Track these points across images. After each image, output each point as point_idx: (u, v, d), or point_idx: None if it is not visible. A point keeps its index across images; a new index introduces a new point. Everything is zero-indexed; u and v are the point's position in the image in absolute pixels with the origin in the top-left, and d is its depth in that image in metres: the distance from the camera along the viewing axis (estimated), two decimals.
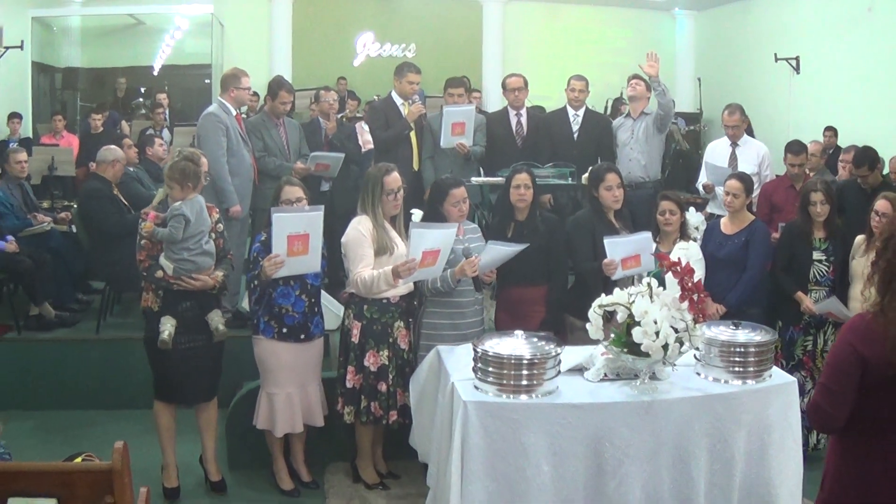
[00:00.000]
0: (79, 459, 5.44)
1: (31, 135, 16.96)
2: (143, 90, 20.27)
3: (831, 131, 14.62)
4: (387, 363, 7.16)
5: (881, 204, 7.77)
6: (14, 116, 16.02)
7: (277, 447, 7.48)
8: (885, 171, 12.11)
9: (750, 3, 19.53)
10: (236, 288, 9.57)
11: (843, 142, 13.46)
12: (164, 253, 6.91)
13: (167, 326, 6.87)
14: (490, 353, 5.89)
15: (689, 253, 7.88)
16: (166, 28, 20.66)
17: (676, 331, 5.79)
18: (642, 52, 10.20)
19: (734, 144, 10.50)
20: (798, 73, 17.59)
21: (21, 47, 17.18)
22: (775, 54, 17.78)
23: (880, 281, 4.15)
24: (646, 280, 6.05)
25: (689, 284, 5.90)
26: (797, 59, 17.54)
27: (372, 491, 7.43)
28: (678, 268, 5.98)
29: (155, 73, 20.87)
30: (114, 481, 4.86)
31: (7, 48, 16.48)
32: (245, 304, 8.68)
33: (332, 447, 7.84)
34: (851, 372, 4.14)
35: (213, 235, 7.15)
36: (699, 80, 20.57)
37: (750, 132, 15.01)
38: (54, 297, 10.13)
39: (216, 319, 7.11)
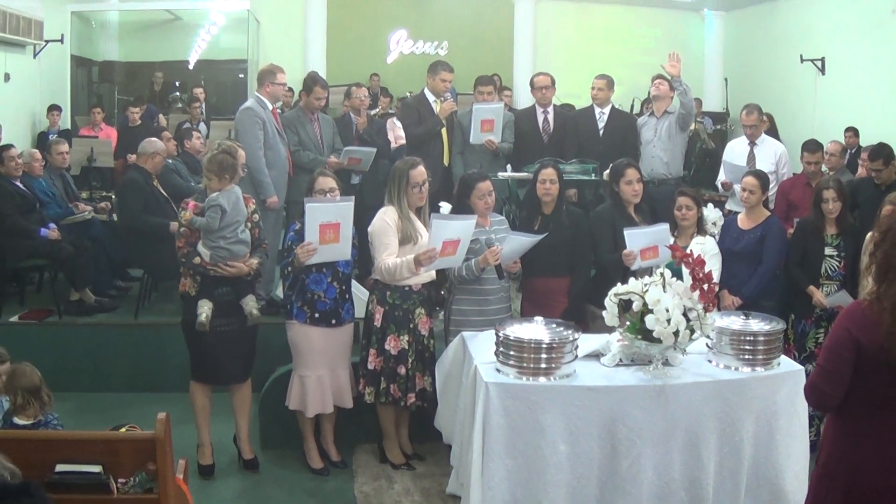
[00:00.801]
0: (123, 430, 5.73)
1: (69, 127, 17.20)
2: (177, 84, 20.52)
3: (852, 132, 14.76)
4: (407, 347, 7.47)
5: (887, 209, 7.91)
6: (54, 108, 16.27)
7: (308, 427, 7.79)
8: None
9: (777, 4, 19.65)
10: (270, 276, 9.86)
11: (864, 142, 13.61)
12: (201, 241, 7.23)
13: (204, 309, 7.20)
14: (511, 338, 6.21)
15: (705, 247, 8.14)
16: (203, 23, 20.85)
17: (688, 319, 6.09)
18: (671, 53, 10.39)
19: (752, 143, 10.73)
20: (823, 74, 17.71)
21: (61, 41, 17.50)
22: (801, 55, 17.92)
23: (877, 271, 4.41)
24: (659, 270, 6.35)
25: (700, 275, 6.19)
26: (822, 60, 17.65)
27: (398, 471, 7.72)
28: (689, 259, 6.28)
29: (191, 67, 21.07)
30: (156, 449, 5.18)
31: (48, 42, 16.73)
32: (279, 292, 9.00)
33: (360, 429, 8.11)
34: (847, 355, 4.42)
35: (249, 225, 7.46)
36: (726, 80, 20.74)
37: (774, 131, 15.23)
38: (94, 283, 10.41)
39: (250, 304, 7.42)
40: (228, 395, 7.80)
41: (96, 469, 5.16)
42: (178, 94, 20.04)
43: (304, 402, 7.58)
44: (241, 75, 20.75)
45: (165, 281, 10.73)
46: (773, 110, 17.07)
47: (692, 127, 14.94)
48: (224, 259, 7.23)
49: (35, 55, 16.69)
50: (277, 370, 8.28)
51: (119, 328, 9.99)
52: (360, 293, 8.20)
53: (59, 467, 5.07)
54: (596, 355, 6.67)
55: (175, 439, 5.47)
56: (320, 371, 7.56)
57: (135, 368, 9.60)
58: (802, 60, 17.96)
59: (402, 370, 7.48)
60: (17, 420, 5.93)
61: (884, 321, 4.28)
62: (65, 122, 17.14)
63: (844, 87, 16.99)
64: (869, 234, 7.95)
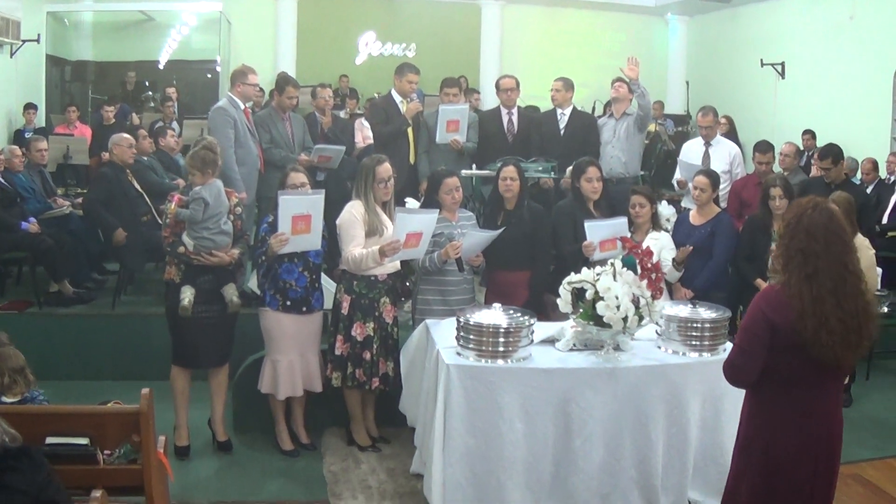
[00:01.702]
0: (109, 405, 6.09)
1: (44, 125, 17.42)
2: (147, 84, 20.72)
3: (809, 134, 15.19)
4: (372, 334, 7.85)
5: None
6: (30, 107, 16.58)
7: (279, 410, 8.14)
8: (858, 174, 12.82)
9: (739, 10, 20.07)
10: (243, 269, 10.18)
11: (821, 145, 14.00)
12: (186, 231, 7.61)
13: (187, 294, 7.57)
14: (471, 323, 6.65)
15: (660, 242, 8.61)
16: (175, 24, 21.08)
17: (637, 305, 6.50)
18: (635, 55, 10.69)
19: (707, 144, 11.15)
20: (783, 77, 18.18)
21: (38, 40, 17.78)
22: (761, 60, 18.40)
23: (783, 260, 4.82)
24: (610, 261, 6.77)
25: (648, 265, 6.63)
26: (782, 64, 18.13)
27: (364, 452, 8.08)
28: (639, 250, 6.72)
29: (163, 67, 21.26)
30: (140, 422, 5.55)
31: (24, 41, 17.01)
32: (251, 285, 9.34)
33: (329, 413, 8.46)
34: (761, 335, 4.81)
35: (232, 217, 7.85)
36: (687, 83, 21.15)
37: (734, 133, 15.65)
38: (72, 275, 10.74)
39: (230, 292, 7.79)
40: (207, 379, 8.16)
41: (84, 441, 5.50)
42: (150, 93, 20.29)
43: (276, 385, 7.94)
44: (212, 75, 21.02)
45: (139, 272, 11.13)
46: (734, 113, 17.55)
47: (652, 129, 15.38)
48: (207, 249, 7.60)
49: (12, 55, 16.96)
50: (250, 357, 8.60)
51: (97, 318, 10.28)
52: (328, 285, 8.55)
53: (49, 439, 5.39)
54: (551, 341, 7.11)
55: (155, 420, 5.81)
56: (291, 356, 7.93)
57: (113, 357, 9.86)
58: (763, 65, 18.44)
59: (368, 356, 7.85)
60: (6, 398, 6.28)
61: (794, 306, 4.67)
62: (40, 120, 17.37)
63: (803, 90, 17.49)
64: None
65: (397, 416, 7.94)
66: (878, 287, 9.76)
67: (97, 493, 4.30)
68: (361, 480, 7.57)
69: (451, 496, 6.64)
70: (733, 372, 5.03)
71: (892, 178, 13.27)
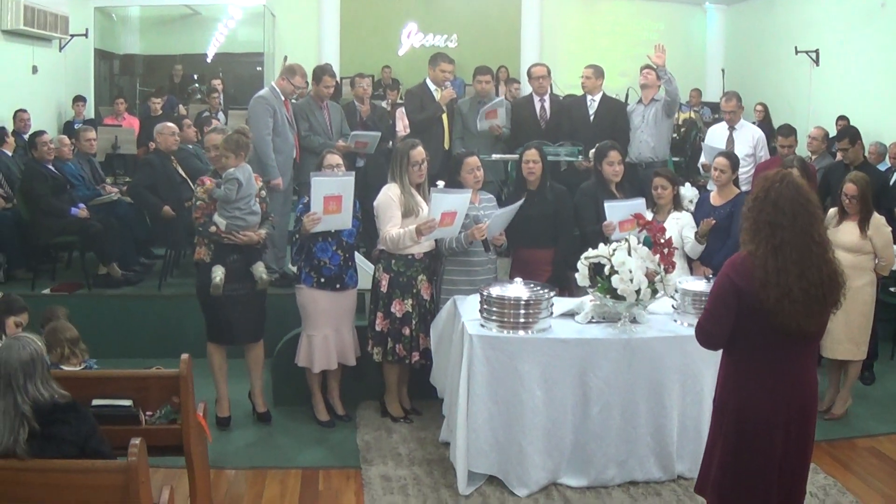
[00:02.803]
0: (152, 370, 6.47)
1: (93, 117, 17.86)
2: (195, 77, 20.97)
3: (844, 120, 15.33)
4: (410, 311, 8.24)
5: (848, 187, 8.59)
6: (79, 99, 17.01)
7: (315, 383, 8.53)
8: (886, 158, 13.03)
9: None
10: (283, 252, 10.62)
11: None
12: (217, 211, 7.99)
13: (218, 273, 7.96)
14: (494, 296, 7.06)
15: (681, 221, 8.96)
16: (220, 17, 21.43)
17: (652, 280, 6.85)
18: (674, 45, 10.92)
19: (731, 128, 11.31)
20: (817, 65, 18.30)
21: (86, 35, 18.18)
22: (796, 47, 18.51)
23: (750, 231, 5.04)
24: (625, 237, 7.13)
25: (661, 241, 6.98)
26: (817, 51, 18.23)
27: (397, 423, 8.48)
28: (651, 226, 7.07)
29: (209, 60, 21.60)
30: (180, 385, 5.95)
31: (73, 36, 17.43)
32: (290, 266, 9.73)
33: (363, 387, 8.86)
34: (728, 300, 5.06)
35: (258, 200, 8.22)
36: (723, 71, 21.26)
37: (768, 120, 15.85)
38: (120, 259, 11.16)
39: (259, 270, 8.19)
40: (244, 355, 8.53)
41: (127, 403, 5.91)
42: (196, 85, 20.58)
43: (311, 359, 8.32)
44: (259, 68, 21.31)
45: (184, 254, 11.56)
46: (769, 100, 17.77)
47: (689, 116, 15.62)
48: (239, 228, 7.99)
49: (61, 49, 17.39)
50: (288, 334, 8.98)
51: (144, 299, 10.72)
52: (364, 266, 8.93)
53: (95, 401, 5.78)
54: (571, 314, 7.49)
55: (196, 393, 6.21)
56: (326, 331, 8.30)
57: (160, 335, 10.20)
58: (797, 52, 18.53)
59: (407, 331, 8.24)
60: (66, 368, 6.72)
61: (758, 274, 4.91)
62: (89, 112, 17.78)
63: (837, 77, 17.56)
64: (831, 210, 8.64)
65: (429, 389, 8.30)
66: None
67: (136, 441, 4.65)
68: (392, 448, 7.94)
69: (475, 461, 7.05)
70: (702, 335, 5.31)
71: None
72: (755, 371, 5.11)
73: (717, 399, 5.40)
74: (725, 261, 5.14)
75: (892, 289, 10.59)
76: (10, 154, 12.48)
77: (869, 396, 9.51)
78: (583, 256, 7.22)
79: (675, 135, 14.83)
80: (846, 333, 8.58)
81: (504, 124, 11.11)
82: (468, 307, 7.55)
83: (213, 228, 7.98)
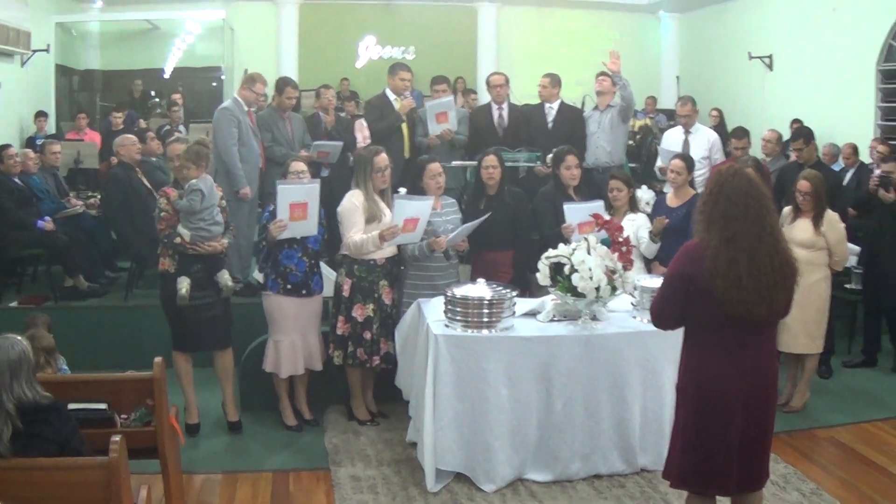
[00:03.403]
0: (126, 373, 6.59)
1: (55, 132, 17.76)
2: (153, 93, 21.06)
3: (798, 123, 15.57)
4: (372, 315, 8.38)
5: (802, 184, 8.86)
6: (41, 115, 17.01)
7: (283, 388, 8.66)
8: (838, 157, 13.29)
9: (728, 6, 20.49)
10: (248, 262, 10.75)
11: None
12: (181, 223, 8.11)
13: (184, 285, 8.09)
14: (458, 297, 7.25)
15: (637, 222, 9.19)
16: (179, 33, 21.50)
17: (612, 275, 7.05)
18: (629, 53, 11.12)
19: (687, 132, 11.54)
20: (771, 70, 18.59)
21: (48, 50, 18.21)
22: (749, 53, 18.81)
23: (703, 222, 5.30)
24: (585, 237, 7.33)
25: (619, 239, 7.19)
26: (770, 57, 18.54)
27: (364, 426, 8.60)
28: (609, 226, 7.27)
29: (168, 74, 21.66)
30: (154, 387, 6.08)
31: (35, 51, 17.43)
32: (255, 276, 9.86)
33: (330, 392, 8.97)
34: (677, 285, 5.35)
35: (220, 209, 8.33)
36: (678, 78, 21.53)
37: (723, 125, 16.09)
38: (86, 271, 11.26)
39: (224, 278, 8.31)
40: (213, 364, 8.62)
41: (102, 406, 6.03)
42: (157, 100, 20.66)
43: (279, 364, 8.46)
44: (217, 82, 21.39)
45: (149, 266, 11.56)
46: (724, 105, 18.05)
47: (644, 123, 15.82)
48: (204, 238, 8.11)
49: (23, 64, 17.36)
50: (256, 340, 9.09)
51: (110, 310, 10.81)
52: (328, 273, 9.04)
53: (71, 405, 5.79)
54: (533, 314, 7.68)
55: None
56: (293, 336, 8.45)
57: (127, 346, 10.22)
58: (751, 58, 18.85)
59: (368, 335, 8.37)
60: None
61: (707, 265, 5.15)
62: (50, 127, 17.73)
63: (790, 82, 17.88)
64: (786, 209, 8.84)
65: (394, 393, 8.46)
66: (855, 263, 10.25)
67: (116, 438, 4.78)
68: (360, 450, 8.08)
69: (443, 458, 7.21)
70: (654, 317, 5.64)
71: (873, 163, 13.67)
72: (712, 353, 5.33)
73: (678, 383, 5.60)
74: None
75: (847, 286, 10.81)
76: None
77: (826, 390, 9.77)
78: (543, 256, 7.43)
79: (630, 141, 15.12)
80: (802, 328, 8.80)
81: (455, 129, 11.19)
82: (432, 309, 7.72)
83: (177, 240, 8.09)
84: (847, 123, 15.30)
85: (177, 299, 8.08)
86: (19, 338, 5.10)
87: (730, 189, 5.22)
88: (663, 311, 5.51)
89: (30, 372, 5.01)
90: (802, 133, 10.84)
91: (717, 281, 5.11)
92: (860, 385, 10.03)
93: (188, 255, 8.17)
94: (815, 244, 8.77)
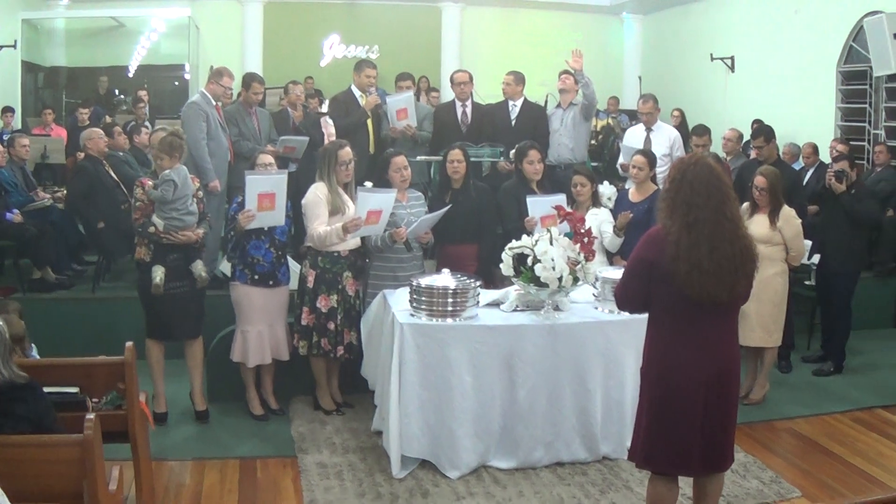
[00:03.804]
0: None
1: (20, 127, 17.68)
2: (116, 92, 20.99)
3: (758, 123, 15.75)
4: (336, 306, 8.50)
5: (758, 179, 9.08)
6: (7, 110, 17.01)
7: (250, 378, 8.78)
8: (798, 157, 13.49)
9: (690, 7, 20.62)
10: (214, 255, 10.79)
11: None
12: (155, 212, 8.20)
13: (158, 273, 8.17)
14: (423, 286, 7.40)
15: (599, 217, 9.33)
16: (145, 30, 21.49)
17: (575, 265, 7.21)
18: (592, 54, 11.22)
19: (648, 129, 11.74)
20: (733, 71, 18.76)
21: (15, 46, 18.26)
22: (711, 54, 18.99)
23: (666, 209, 5.48)
24: (547, 229, 7.49)
25: (581, 230, 7.34)
26: (732, 58, 18.71)
27: (329, 416, 8.72)
28: (572, 216, 7.44)
29: (134, 72, 21.68)
30: (125, 371, 6.18)
31: (2, 47, 17.56)
32: (222, 268, 9.96)
33: (296, 382, 9.07)
34: (639, 270, 5.56)
35: (195, 200, 8.43)
36: (640, 78, 21.69)
37: (684, 125, 16.24)
38: (54, 264, 11.34)
39: (199, 268, 8.41)
40: (182, 356, 8.73)
41: (74, 390, 6.15)
42: (122, 97, 20.66)
43: (246, 354, 8.57)
44: (181, 80, 21.53)
45: (117, 258, 11.76)
46: (685, 106, 18.16)
47: (606, 122, 15.99)
48: (177, 228, 8.20)
49: None
50: (223, 331, 9.18)
51: (78, 302, 10.90)
52: (293, 266, 9.15)
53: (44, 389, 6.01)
54: (496, 304, 7.83)
55: None
56: (260, 326, 8.56)
57: (95, 338, 10.14)
58: (713, 59, 19.01)
59: (332, 326, 8.49)
60: None
61: (669, 250, 5.34)
62: (17, 123, 17.69)
63: (752, 83, 18.02)
64: (743, 206, 8.98)
65: (360, 383, 8.64)
66: (806, 258, 10.40)
67: (91, 416, 4.90)
68: (326, 438, 8.21)
69: (408, 445, 7.36)
70: (619, 301, 5.90)
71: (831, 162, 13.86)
72: (674, 336, 5.51)
73: (642, 367, 5.78)
74: None
75: (806, 282, 10.99)
76: None
77: (786, 383, 9.97)
78: (507, 247, 7.58)
79: (593, 141, 15.28)
80: (758, 321, 8.99)
81: (426, 128, 11.42)
82: (398, 299, 7.87)
83: (151, 229, 8.18)
84: (808, 124, 15.48)
85: (151, 288, 8.17)
86: None
87: (692, 176, 5.40)
88: (626, 295, 5.72)
89: (6, 351, 5.12)
90: (763, 131, 10.98)
91: (679, 265, 5.28)
92: (820, 380, 10.18)
93: (163, 245, 8.26)
94: (772, 239, 8.93)
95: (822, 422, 8.97)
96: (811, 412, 9.18)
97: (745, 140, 13.87)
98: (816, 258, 10.60)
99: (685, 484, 6.15)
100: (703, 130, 11.52)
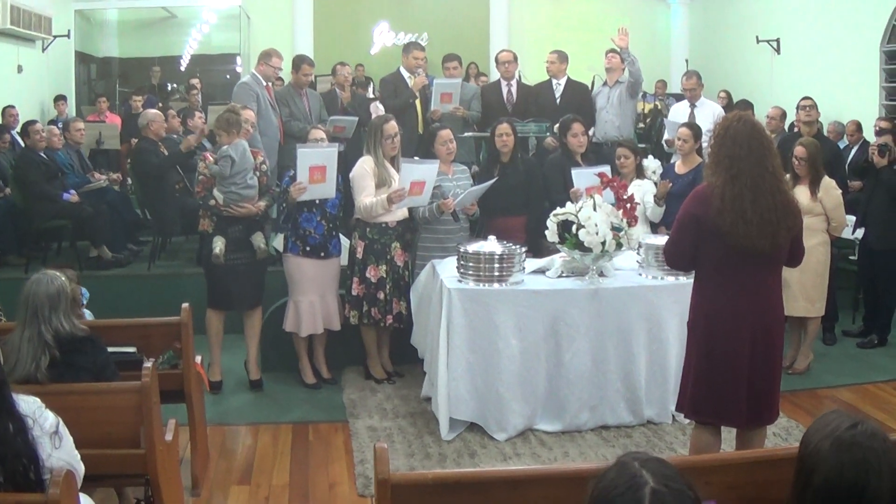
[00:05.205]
0: None
1: (75, 115, 18.05)
2: (169, 85, 21.34)
3: (808, 100, 15.81)
4: (385, 276, 8.74)
5: (798, 150, 9.20)
6: (60, 99, 17.28)
7: (302, 348, 9.00)
8: (843, 135, 13.57)
9: None
10: (267, 233, 10.98)
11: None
12: (216, 186, 8.47)
13: (218, 244, 8.47)
14: (470, 252, 7.59)
15: (643, 188, 9.49)
16: (196, 20, 21.80)
17: (618, 231, 7.37)
18: (639, 39, 11.32)
19: (692, 105, 11.88)
20: (779, 53, 18.77)
21: (68, 36, 18.56)
22: (757, 37, 19.00)
23: (711, 164, 5.67)
24: (591, 195, 7.65)
25: (624, 196, 7.50)
26: (778, 40, 18.73)
27: (380, 384, 8.94)
28: (615, 183, 7.59)
29: (186, 62, 21.95)
30: (181, 331, 6.39)
31: (55, 37, 17.77)
32: (275, 244, 10.17)
33: (347, 353, 9.28)
34: (688, 225, 5.70)
35: (258, 173, 8.71)
36: (686, 61, 21.67)
37: (731, 107, 16.22)
38: (110, 242, 11.59)
39: (259, 240, 8.69)
40: (240, 326, 9.02)
41: (132, 349, 6.36)
42: (175, 85, 20.99)
43: (299, 324, 8.78)
44: (233, 70, 21.65)
45: (172, 236, 12.08)
46: (732, 87, 18.20)
47: (654, 105, 16.10)
48: (235, 202, 8.46)
49: (44, 49, 17.72)
50: (276, 303, 9.37)
51: (134, 279, 11.18)
52: (345, 242, 9.36)
53: None
54: (542, 271, 8.01)
55: None
56: (312, 297, 8.76)
57: (150, 313, 10.20)
58: (759, 41, 18.99)
59: (381, 295, 8.72)
60: None
61: (714, 203, 5.49)
62: (71, 111, 17.90)
63: (797, 64, 17.98)
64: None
65: (410, 355, 8.86)
66: (850, 233, 10.48)
67: (148, 364, 5.13)
68: (377, 405, 8.42)
69: (456, 408, 7.56)
70: (668, 258, 6.01)
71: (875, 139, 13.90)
72: (721, 289, 5.67)
73: (689, 321, 5.94)
74: None
75: (851, 257, 11.06)
76: None
77: (829, 355, 10.07)
78: (552, 214, 7.73)
79: (640, 124, 15.35)
80: (801, 291, 9.07)
81: (474, 108, 11.61)
82: (446, 267, 8.06)
83: (212, 202, 8.45)
84: (852, 104, 15.49)
85: (211, 257, 8.45)
86: (59, 273, 5.45)
87: (734, 131, 5.57)
88: (676, 252, 5.86)
89: (67, 305, 5.36)
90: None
91: (724, 216, 5.44)
92: (864, 352, 10.25)
93: (225, 217, 8.52)
94: (813, 210, 8.99)
95: (866, 390, 9.06)
96: (854, 381, 9.29)
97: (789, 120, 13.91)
98: (860, 233, 10.60)
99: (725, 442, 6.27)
100: (745, 106, 11.71)
